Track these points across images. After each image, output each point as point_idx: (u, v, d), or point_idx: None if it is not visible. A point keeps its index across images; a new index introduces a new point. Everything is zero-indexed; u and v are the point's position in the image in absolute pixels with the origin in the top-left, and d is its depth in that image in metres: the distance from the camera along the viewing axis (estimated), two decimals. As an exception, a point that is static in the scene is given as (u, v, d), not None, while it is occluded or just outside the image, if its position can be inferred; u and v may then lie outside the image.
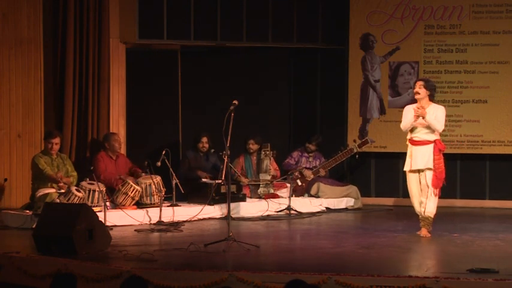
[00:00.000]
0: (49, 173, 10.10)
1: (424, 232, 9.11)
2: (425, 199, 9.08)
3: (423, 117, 9.01)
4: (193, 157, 11.61)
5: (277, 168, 11.94)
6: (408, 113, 9.18)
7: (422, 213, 9.13)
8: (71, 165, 10.50)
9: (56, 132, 10.58)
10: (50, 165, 10.23)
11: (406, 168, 9.20)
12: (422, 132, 9.08)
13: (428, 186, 9.05)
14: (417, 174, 9.14)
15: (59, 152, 10.47)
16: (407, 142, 9.22)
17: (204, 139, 11.57)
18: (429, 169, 9.02)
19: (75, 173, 10.41)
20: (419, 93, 9.13)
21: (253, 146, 11.86)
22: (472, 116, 12.09)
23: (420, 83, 9.20)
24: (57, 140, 10.37)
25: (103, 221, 9.07)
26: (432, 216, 9.12)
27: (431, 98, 9.19)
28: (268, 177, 11.69)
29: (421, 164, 9.06)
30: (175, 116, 12.43)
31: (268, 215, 11.00)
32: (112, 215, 9.84)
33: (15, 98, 11.01)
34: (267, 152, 11.75)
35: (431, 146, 9.06)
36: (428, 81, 9.29)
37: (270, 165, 11.75)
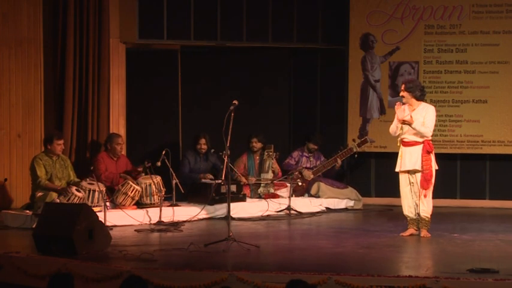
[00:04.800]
0: (45, 184, 10.08)
1: (423, 232, 9.12)
2: (418, 201, 9.09)
3: (410, 125, 9.01)
4: (193, 158, 11.60)
5: (280, 170, 11.94)
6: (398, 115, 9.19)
7: (419, 215, 9.14)
8: (72, 169, 10.47)
9: (60, 132, 10.59)
10: (51, 166, 10.21)
11: (397, 169, 9.22)
12: (411, 132, 9.08)
13: (418, 188, 9.06)
14: (407, 175, 9.15)
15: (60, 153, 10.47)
16: (399, 143, 9.22)
17: (202, 140, 11.55)
18: (417, 171, 9.02)
19: (77, 180, 10.32)
20: (403, 97, 9.15)
21: (256, 144, 11.86)
22: (472, 116, 12.09)
23: (402, 86, 9.21)
24: (62, 141, 10.39)
25: (103, 221, 9.07)
26: (429, 216, 9.13)
27: (419, 98, 9.16)
28: (269, 178, 11.69)
29: (409, 165, 9.06)
30: (175, 116, 12.43)
31: (268, 215, 11.01)
32: (112, 215, 9.84)
33: (15, 97, 11.01)
34: (270, 153, 11.75)
35: (420, 146, 9.05)
36: (410, 83, 9.23)
37: (273, 166, 11.76)
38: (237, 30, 12.34)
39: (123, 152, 11.39)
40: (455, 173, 12.22)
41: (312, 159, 12.14)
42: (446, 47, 12.18)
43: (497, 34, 12.01)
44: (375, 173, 12.57)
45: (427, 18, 12.20)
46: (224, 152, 9.09)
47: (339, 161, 11.90)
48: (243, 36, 12.39)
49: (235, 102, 8.84)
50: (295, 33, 12.57)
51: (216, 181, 10.96)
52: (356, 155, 11.97)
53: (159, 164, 10.56)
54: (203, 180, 11.22)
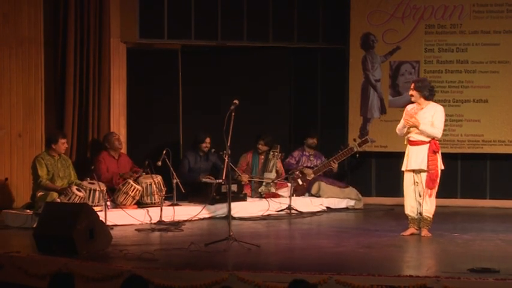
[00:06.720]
0: (45, 184, 10.08)
1: (424, 232, 9.12)
2: (422, 200, 9.08)
3: (417, 128, 9.01)
4: (193, 158, 11.60)
5: (283, 171, 11.93)
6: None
7: (420, 214, 9.14)
8: (74, 169, 10.47)
9: (62, 132, 10.59)
10: (53, 166, 10.20)
11: (403, 168, 9.21)
12: (418, 132, 9.06)
13: (423, 187, 9.05)
14: (412, 174, 9.13)
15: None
16: (405, 142, 9.22)
17: (208, 139, 11.54)
18: (423, 170, 9.01)
19: (78, 182, 10.30)
20: (412, 96, 9.16)
21: (262, 147, 11.87)
22: (473, 116, 12.09)
23: (412, 85, 9.21)
24: (66, 140, 10.40)
25: (104, 221, 9.08)
26: (431, 216, 9.12)
27: (428, 98, 9.16)
28: (272, 177, 11.70)
29: (415, 164, 9.05)
30: (176, 116, 12.44)
31: (268, 215, 11.01)
32: (113, 214, 9.85)
33: (15, 97, 11.01)
34: (276, 153, 11.76)
35: (426, 146, 9.03)
36: (419, 82, 9.24)
37: (277, 166, 11.76)
38: (237, 30, 12.35)
39: (123, 151, 11.40)
40: (456, 172, 12.21)
41: (312, 158, 12.15)
42: (447, 47, 12.18)
43: (498, 34, 12.01)
44: (376, 172, 12.57)
45: (428, 17, 12.20)
46: (225, 151, 9.09)
47: (335, 165, 11.89)
48: (243, 36, 12.40)
49: (236, 101, 8.83)
50: (295, 33, 12.58)
51: (217, 181, 10.96)
52: (357, 155, 11.97)
53: (159, 163, 10.57)
54: (204, 180, 11.22)
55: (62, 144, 10.32)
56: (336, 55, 12.64)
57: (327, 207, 11.70)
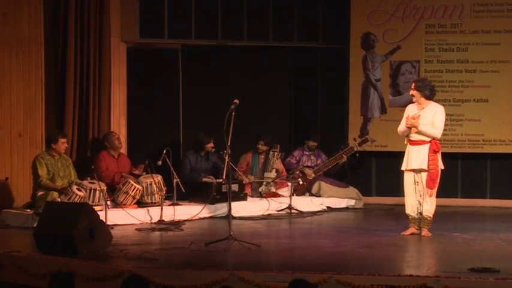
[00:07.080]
0: (45, 183, 10.08)
1: (424, 231, 9.12)
2: (422, 200, 9.08)
3: (416, 128, 9.01)
4: (193, 157, 11.59)
5: (284, 170, 11.93)
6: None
7: (421, 214, 9.13)
8: (74, 169, 10.47)
9: (62, 132, 10.59)
10: (53, 165, 10.21)
11: (403, 167, 9.21)
12: (418, 131, 9.07)
13: (423, 187, 9.05)
14: (412, 173, 9.13)
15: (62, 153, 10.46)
16: (406, 141, 9.22)
17: (212, 140, 11.50)
18: (423, 170, 9.01)
19: (79, 181, 10.31)
20: (413, 95, 9.17)
21: (262, 147, 11.87)
22: (473, 115, 12.09)
23: (412, 85, 9.22)
24: (66, 139, 10.40)
25: (104, 220, 9.08)
26: (431, 216, 9.12)
27: (429, 97, 9.17)
28: (273, 177, 11.70)
29: (415, 164, 9.05)
30: (176, 115, 12.44)
31: (269, 214, 11.01)
32: (113, 214, 9.85)
33: (16, 97, 11.02)
34: (275, 153, 11.76)
35: (426, 146, 9.04)
36: (419, 82, 9.25)
37: (277, 166, 11.76)
38: (237, 30, 12.35)
39: (123, 151, 11.40)
40: (456, 172, 12.21)
41: (312, 157, 12.15)
42: (447, 46, 12.18)
43: (498, 33, 12.01)
44: (376, 172, 12.57)
45: (428, 17, 12.20)
46: (225, 151, 9.09)
47: (345, 157, 11.91)
48: (243, 36, 12.40)
49: (236, 101, 8.84)
50: (296, 33, 12.58)
51: (217, 180, 10.97)
52: (357, 154, 11.97)
53: (159, 163, 10.58)
54: (204, 179, 11.22)
55: (62, 144, 10.33)
56: (336, 55, 12.64)
57: (327, 207, 11.71)
